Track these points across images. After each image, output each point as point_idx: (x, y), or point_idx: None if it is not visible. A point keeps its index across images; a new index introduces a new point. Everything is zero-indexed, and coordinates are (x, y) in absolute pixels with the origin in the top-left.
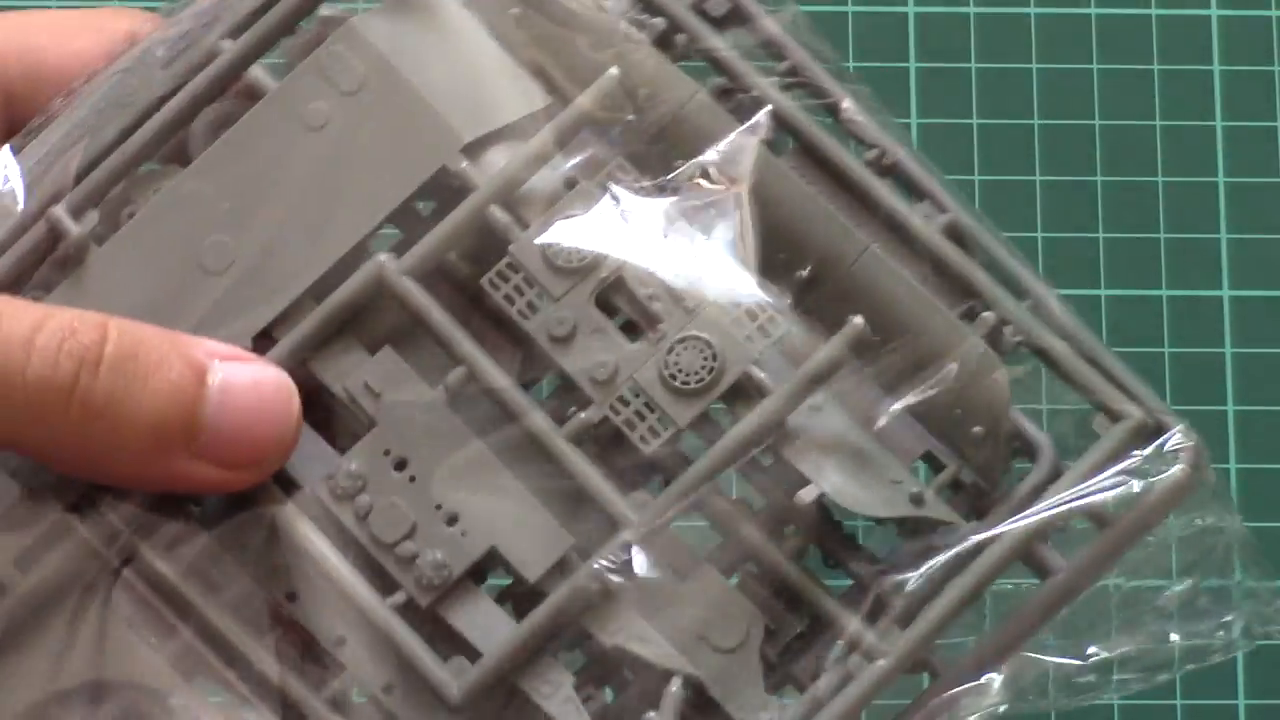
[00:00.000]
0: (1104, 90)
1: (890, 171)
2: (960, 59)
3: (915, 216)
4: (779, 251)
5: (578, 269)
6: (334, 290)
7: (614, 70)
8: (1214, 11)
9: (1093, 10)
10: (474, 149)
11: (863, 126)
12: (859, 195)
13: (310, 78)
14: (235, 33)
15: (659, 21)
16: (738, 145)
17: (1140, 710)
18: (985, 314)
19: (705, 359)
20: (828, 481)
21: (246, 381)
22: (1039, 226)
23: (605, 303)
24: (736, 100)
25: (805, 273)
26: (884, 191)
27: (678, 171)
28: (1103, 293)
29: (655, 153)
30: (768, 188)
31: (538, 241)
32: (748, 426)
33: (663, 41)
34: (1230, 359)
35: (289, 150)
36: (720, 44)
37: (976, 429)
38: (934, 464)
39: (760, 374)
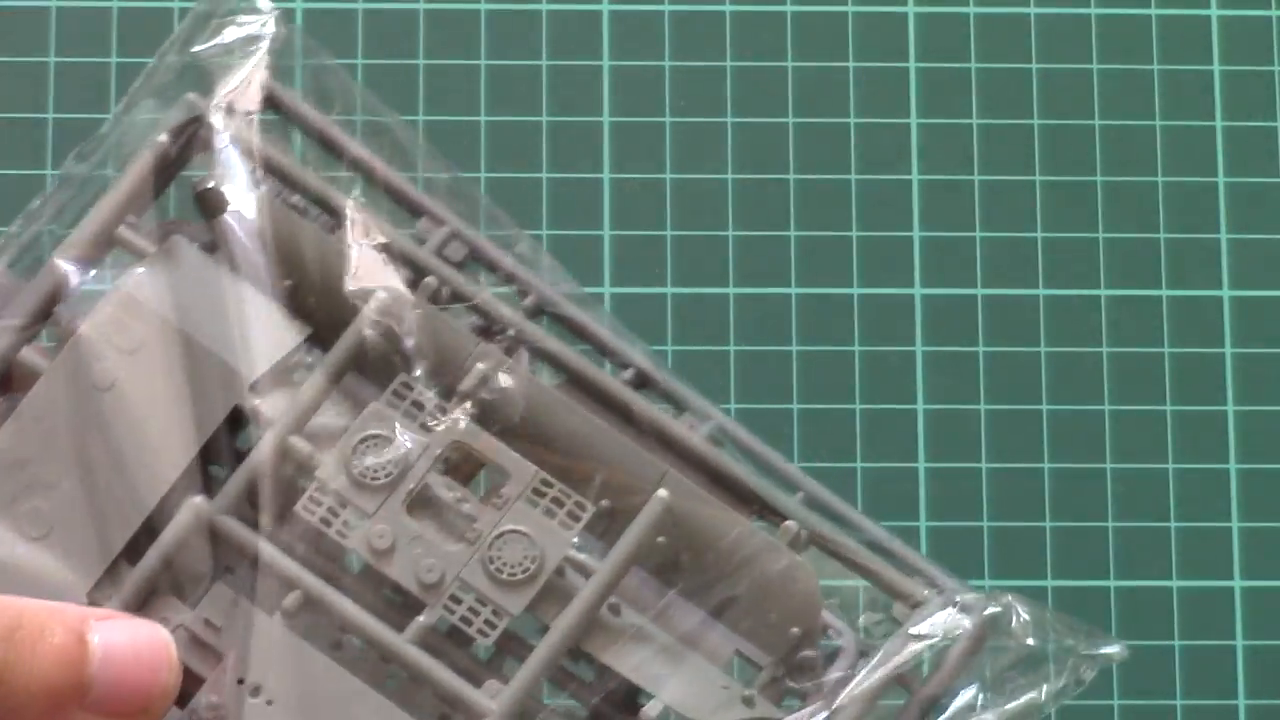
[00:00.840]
0: (1104, 90)
1: (646, 386)
2: (960, 59)
3: (684, 429)
4: (572, 480)
5: (385, 484)
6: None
7: (380, 293)
8: (1214, 11)
9: (1093, 10)
10: (259, 386)
11: (614, 346)
12: (626, 416)
13: (90, 342)
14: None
15: (430, 281)
16: (509, 373)
17: (1140, 710)
18: (788, 523)
19: (525, 549)
20: (666, 692)
21: (124, 637)
22: (1039, 226)
23: (420, 507)
24: (494, 337)
25: (606, 503)
26: (655, 413)
27: (462, 390)
28: (1103, 293)
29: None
30: (551, 419)
31: (340, 462)
32: (582, 600)
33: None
34: (1230, 359)
35: (83, 413)
36: (477, 290)
37: (794, 630)
38: (745, 660)
39: (581, 555)
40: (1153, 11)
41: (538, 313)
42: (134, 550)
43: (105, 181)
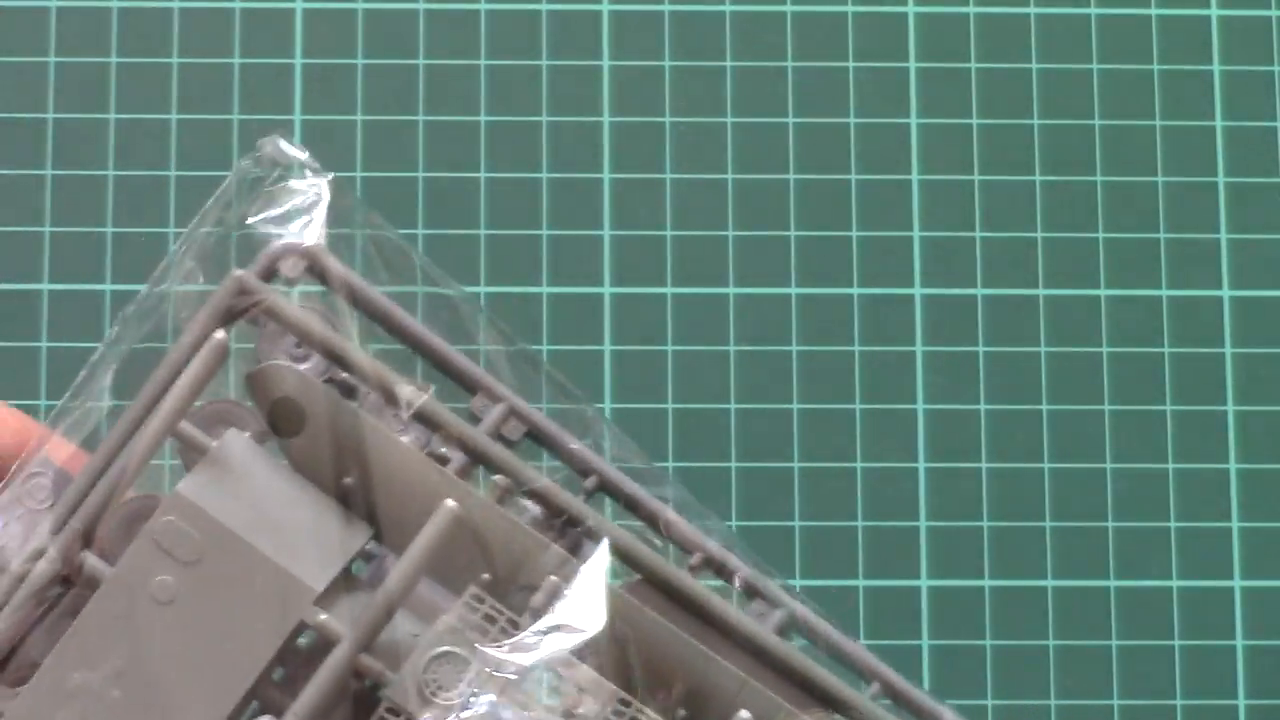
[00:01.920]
0: (1104, 90)
1: (716, 572)
2: (960, 59)
3: (759, 628)
4: (652, 690)
5: (457, 703)
6: None
7: (450, 503)
8: (1214, 11)
9: (1093, 10)
10: (324, 597)
11: (683, 531)
12: (703, 617)
13: (148, 553)
14: (55, 527)
15: (501, 480)
16: (586, 582)
17: (1140, 710)
18: None
19: None
20: None
21: None
22: (1039, 226)
23: None
24: (554, 526)
25: (683, 713)
26: (733, 613)
27: (535, 606)
28: (1103, 293)
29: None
30: (628, 629)
31: (413, 681)
32: None
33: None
34: (1230, 359)
35: (144, 630)
36: (546, 480)
37: None
38: None
39: None
40: (1153, 11)
41: (598, 491)
42: None
43: (149, 352)
